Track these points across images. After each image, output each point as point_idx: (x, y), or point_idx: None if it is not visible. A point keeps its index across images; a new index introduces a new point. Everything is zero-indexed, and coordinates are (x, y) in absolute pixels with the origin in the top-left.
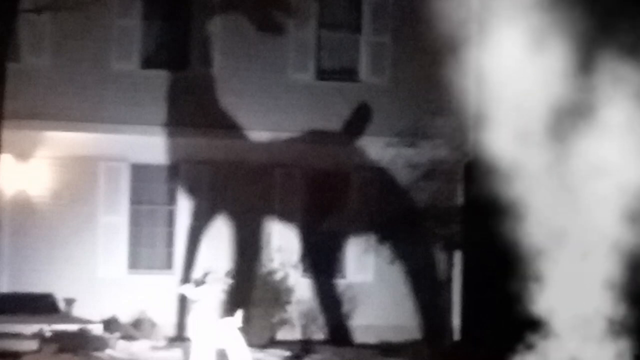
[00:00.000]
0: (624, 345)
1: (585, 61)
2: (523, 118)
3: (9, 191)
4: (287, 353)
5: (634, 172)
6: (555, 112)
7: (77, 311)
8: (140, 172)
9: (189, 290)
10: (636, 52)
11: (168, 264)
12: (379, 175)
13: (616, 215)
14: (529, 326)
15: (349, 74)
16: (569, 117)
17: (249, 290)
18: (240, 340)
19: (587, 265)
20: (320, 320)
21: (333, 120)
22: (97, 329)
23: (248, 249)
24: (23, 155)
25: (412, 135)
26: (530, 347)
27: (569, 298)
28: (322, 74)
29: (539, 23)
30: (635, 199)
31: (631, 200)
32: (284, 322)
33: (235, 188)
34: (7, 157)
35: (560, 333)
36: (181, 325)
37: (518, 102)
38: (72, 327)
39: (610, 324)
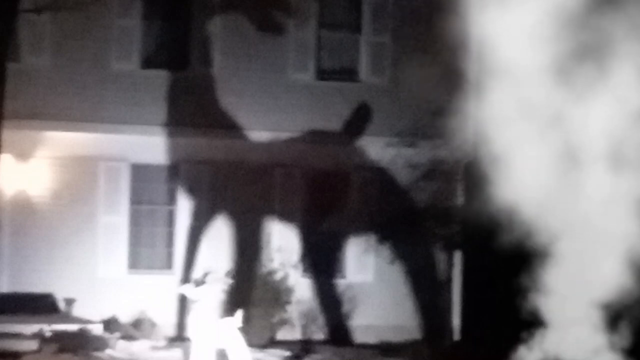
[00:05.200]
0: (624, 344)
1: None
2: (523, 114)
3: (9, 191)
4: (287, 353)
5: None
6: (556, 105)
7: (77, 311)
8: (140, 172)
9: (189, 290)
10: None
11: (168, 264)
12: (379, 175)
13: (624, 212)
14: (529, 326)
15: (349, 74)
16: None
17: (249, 290)
18: (240, 340)
19: (588, 265)
20: (320, 320)
21: (333, 120)
22: (97, 329)
23: (248, 249)
24: (23, 155)
25: (412, 135)
26: (530, 347)
27: (570, 297)
28: (322, 74)
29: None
30: None
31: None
32: (284, 322)
33: (235, 188)
34: (7, 157)
35: (560, 332)
36: (181, 325)
37: (518, 98)
38: (72, 327)
39: (612, 324)
